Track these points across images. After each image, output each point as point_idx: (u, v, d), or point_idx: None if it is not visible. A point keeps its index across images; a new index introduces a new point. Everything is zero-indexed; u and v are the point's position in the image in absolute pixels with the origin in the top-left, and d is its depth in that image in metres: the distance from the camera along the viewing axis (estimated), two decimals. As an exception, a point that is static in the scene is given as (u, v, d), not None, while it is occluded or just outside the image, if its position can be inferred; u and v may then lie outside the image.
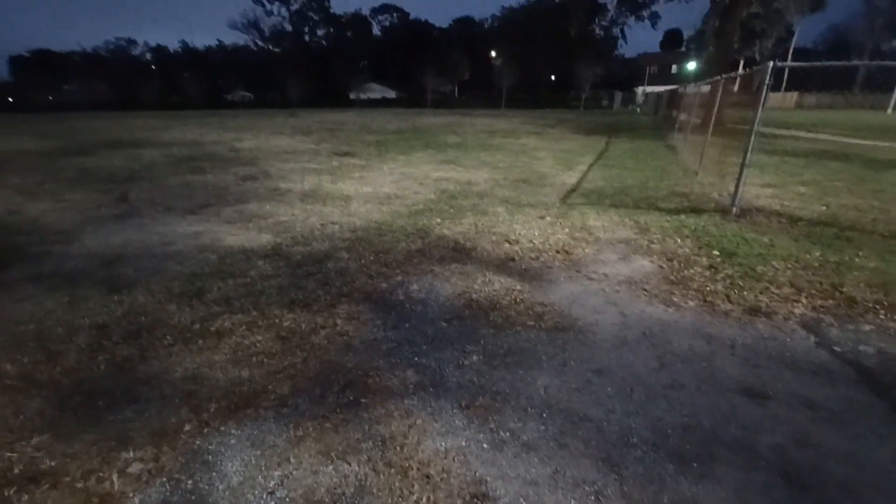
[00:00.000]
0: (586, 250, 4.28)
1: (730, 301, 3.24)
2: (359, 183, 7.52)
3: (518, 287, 3.46)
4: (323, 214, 5.57)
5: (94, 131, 18.02)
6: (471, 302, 3.21)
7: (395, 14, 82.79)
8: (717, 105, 8.47)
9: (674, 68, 57.30)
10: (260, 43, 78.06)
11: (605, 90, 53.76)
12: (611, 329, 2.87)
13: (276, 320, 2.94)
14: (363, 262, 3.98)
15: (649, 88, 53.96)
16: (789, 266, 3.83)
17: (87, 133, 17.18)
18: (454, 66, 58.02)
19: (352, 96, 64.50)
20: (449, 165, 9.24)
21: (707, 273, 3.73)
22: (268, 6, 75.69)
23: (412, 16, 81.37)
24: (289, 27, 78.17)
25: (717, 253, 4.14)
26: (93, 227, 5.10)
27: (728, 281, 3.56)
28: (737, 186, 5.32)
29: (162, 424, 2.02)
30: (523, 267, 3.90)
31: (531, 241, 4.51)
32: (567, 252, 4.24)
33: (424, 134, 16.36)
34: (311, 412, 2.10)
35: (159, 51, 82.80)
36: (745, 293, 3.35)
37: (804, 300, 3.24)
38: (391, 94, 67.38)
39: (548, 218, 5.33)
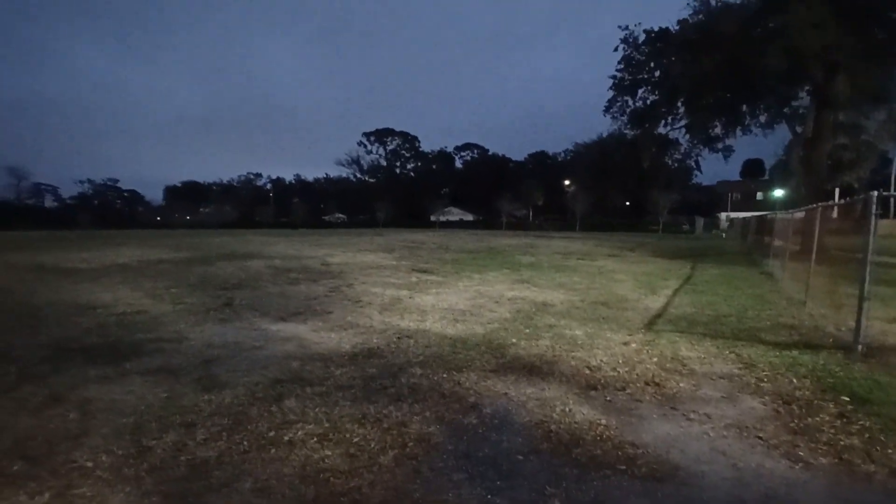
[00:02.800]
0: (681, 384, 3.84)
1: (871, 460, 2.63)
2: (435, 299, 7.74)
3: (603, 421, 3.13)
4: (399, 328, 5.71)
5: (216, 246, 21.06)
6: (549, 434, 2.93)
7: (475, 150, 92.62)
8: (817, 232, 7.91)
9: (759, 195, 55.87)
10: (359, 175, 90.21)
11: (684, 215, 53.15)
12: (723, 485, 2.41)
13: (347, 435, 2.89)
14: (436, 379, 3.90)
15: (733, 214, 52.39)
16: (954, 423, 3.09)
17: (211, 247, 20.11)
18: (529, 193, 61.70)
19: (432, 218, 70.01)
20: (524, 285, 9.29)
21: (837, 423, 3.12)
22: (368, 147, 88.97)
23: (491, 151, 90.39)
24: (384, 162, 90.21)
25: (847, 398, 3.50)
26: (200, 328, 5.67)
27: (866, 434, 2.93)
28: (858, 321, 4.66)
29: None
30: (608, 398, 3.56)
31: (615, 370, 4.17)
32: (658, 385, 3.83)
33: (499, 254, 16.90)
34: (373, 547, 1.91)
35: (278, 182, 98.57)
36: (891, 451, 2.71)
37: None
38: (469, 217, 72.21)
39: (633, 345, 4.98)
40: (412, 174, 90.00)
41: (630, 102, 20.32)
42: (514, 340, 5.09)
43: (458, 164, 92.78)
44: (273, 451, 2.70)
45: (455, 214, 73.85)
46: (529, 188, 62.03)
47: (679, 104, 19.38)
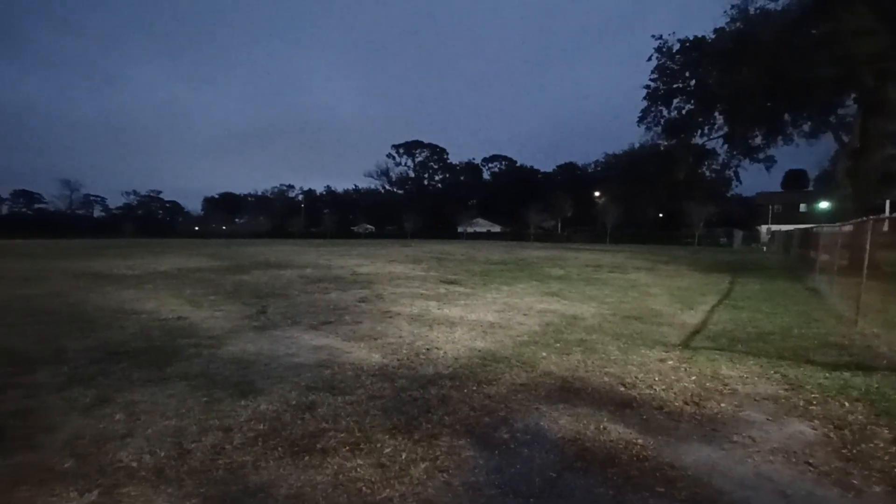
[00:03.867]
0: (722, 405, 3.68)
1: (944, 497, 2.42)
2: (463, 310, 7.73)
3: (640, 441, 3.02)
4: (428, 339, 5.72)
5: (250, 255, 21.76)
6: (584, 451, 2.86)
7: (503, 162, 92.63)
8: (868, 247, 7.47)
9: (802, 207, 53.38)
10: (387, 186, 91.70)
11: (722, 227, 51.26)
12: (770, 513, 2.28)
13: (378, 445, 2.90)
14: (466, 391, 3.88)
15: (774, 227, 50.21)
16: None
17: (245, 256, 20.79)
18: (557, 204, 61.00)
19: (460, 229, 70.18)
20: (553, 298, 9.15)
21: (893, 449, 2.91)
22: (397, 159, 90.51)
23: (519, 163, 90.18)
24: (412, 174, 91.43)
25: (909, 426, 3.25)
26: (237, 335, 5.85)
27: (931, 466, 2.71)
28: (919, 342, 4.35)
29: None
30: (644, 417, 3.44)
31: (651, 387, 4.04)
32: (697, 404, 3.68)
33: (528, 266, 16.74)
34: (405, 560, 1.90)
35: (309, 193, 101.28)
36: (968, 488, 2.49)
37: None
38: (496, 229, 72.01)
39: (670, 362, 4.80)
40: (440, 185, 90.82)
41: (664, 112, 19.92)
42: (544, 354, 5.01)
43: (486, 175, 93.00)
44: (306, 458, 2.74)
45: (482, 226, 73.81)
46: (558, 199, 61.37)
47: (716, 113, 18.84)
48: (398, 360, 4.80)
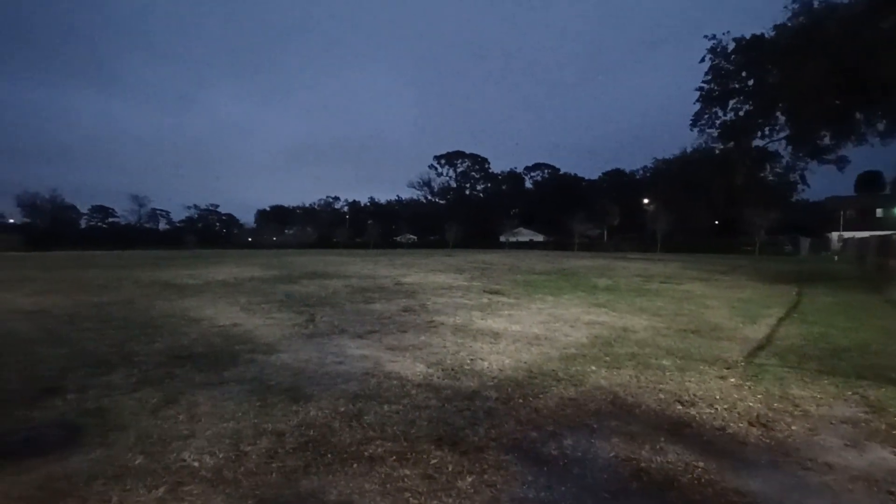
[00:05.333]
0: (793, 427, 3.39)
1: None
2: (508, 321, 7.63)
3: (701, 464, 2.83)
4: (472, 350, 5.68)
5: (299, 265, 22.64)
6: (639, 472, 2.72)
7: (546, 170, 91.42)
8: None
9: (878, 212, 48.92)
10: (429, 197, 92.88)
11: (786, 234, 47.76)
12: (856, 551, 2.06)
13: (424, 455, 2.90)
14: (512, 404, 3.80)
15: (846, 233, 46.24)
16: None
17: (294, 266, 21.65)
18: (603, 212, 59.23)
19: (502, 239, 69.66)
20: (601, 309, 8.84)
21: None
22: (439, 169, 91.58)
23: (562, 171, 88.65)
24: (454, 184, 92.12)
25: None
26: (288, 342, 6.08)
27: None
28: None
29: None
30: (705, 438, 3.23)
31: (712, 406, 3.79)
32: (765, 426, 3.41)
33: (573, 276, 16.32)
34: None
35: (353, 204, 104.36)
36: None
37: None
38: (539, 238, 70.87)
39: (732, 379, 4.50)
40: (481, 195, 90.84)
41: (720, 114, 18.90)
42: (593, 368, 4.83)
43: (529, 184, 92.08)
44: (355, 465, 2.77)
45: (525, 235, 72.89)
46: (604, 207, 59.55)
47: (778, 114, 17.66)
48: (442, 370, 4.79)
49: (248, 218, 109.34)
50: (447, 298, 10.33)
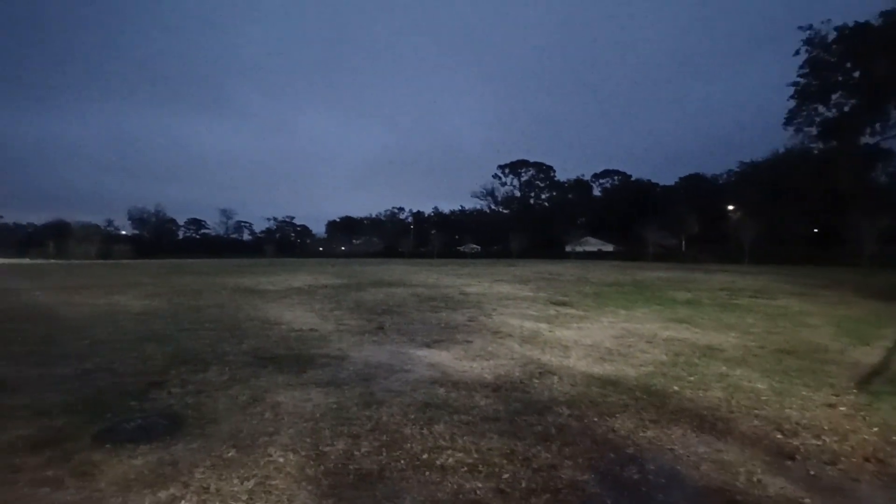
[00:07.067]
0: (926, 469, 2.91)
1: None
2: (577, 334, 7.35)
3: (807, 500, 2.52)
4: (541, 362, 5.53)
5: (366, 273, 23.55)
6: (735, 506, 2.47)
7: (615, 177, 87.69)
8: None
9: None
10: (493, 206, 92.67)
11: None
12: None
13: (496, 469, 2.85)
14: (586, 422, 3.64)
15: None
16: None
17: (362, 274, 22.56)
18: (680, 220, 55.38)
19: (568, 248, 67.56)
20: (681, 325, 8.23)
21: None
22: (503, 179, 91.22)
23: (634, 177, 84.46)
24: (518, 193, 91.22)
25: None
26: (359, 348, 6.32)
27: None
28: None
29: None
30: (811, 472, 2.87)
31: (819, 438, 3.36)
32: (882, 462, 2.97)
33: (647, 288, 15.39)
34: None
35: (417, 215, 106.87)
36: None
37: None
38: (608, 248, 67.87)
39: (841, 408, 3.97)
40: (546, 204, 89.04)
41: (819, 111, 17.05)
42: (675, 388, 4.50)
43: (597, 191, 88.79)
44: (427, 473, 2.80)
45: (592, 245, 70.13)
46: (681, 215, 55.62)
47: (893, 108, 15.57)
48: (511, 382, 4.71)
49: (319, 228, 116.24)
50: (512, 309, 10.19)
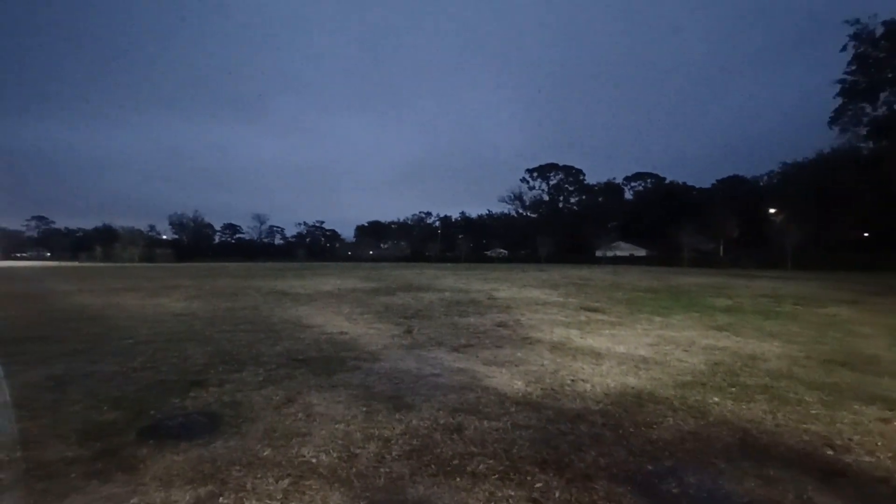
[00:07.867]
0: None
1: None
2: (610, 341, 7.17)
3: (866, 524, 2.36)
4: (573, 370, 5.42)
5: (395, 278, 23.77)
6: (783, 526, 2.34)
7: (648, 180, 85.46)
8: None
9: None
10: (521, 211, 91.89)
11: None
12: None
13: (528, 478, 2.81)
14: (621, 432, 3.53)
15: None
16: None
17: (390, 278, 22.79)
18: (717, 224, 53.34)
19: (598, 253, 66.20)
20: (721, 333, 7.91)
21: None
22: (531, 183, 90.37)
23: (668, 180, 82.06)
24: (546, 197, 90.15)
25: None
26: (388, 352, 6.37)
27: None
28: None
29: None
30: (865, 491, 2.69)
31: (873, 455, 3.15)
32: (955, 487, 2.74)
33: (683, 294, 14.88)
34: None
35: (445, 219, 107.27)
36: None
37: None
38: (640, 252, 66.15)
39: (900, 424, 3.71)
40: (575, 208, 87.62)
41: (868, 109, 16.13)
42: (716, 399, 4.31)
43: (629, 195, 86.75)
44: (458, 479, 2.78)
45: (624, 249, 68.46)
46: (719, 219, 53.51)
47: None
48: (542, 389, 4.64)
49: (348, 233, 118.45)
50: (542, 315, 10.05)
